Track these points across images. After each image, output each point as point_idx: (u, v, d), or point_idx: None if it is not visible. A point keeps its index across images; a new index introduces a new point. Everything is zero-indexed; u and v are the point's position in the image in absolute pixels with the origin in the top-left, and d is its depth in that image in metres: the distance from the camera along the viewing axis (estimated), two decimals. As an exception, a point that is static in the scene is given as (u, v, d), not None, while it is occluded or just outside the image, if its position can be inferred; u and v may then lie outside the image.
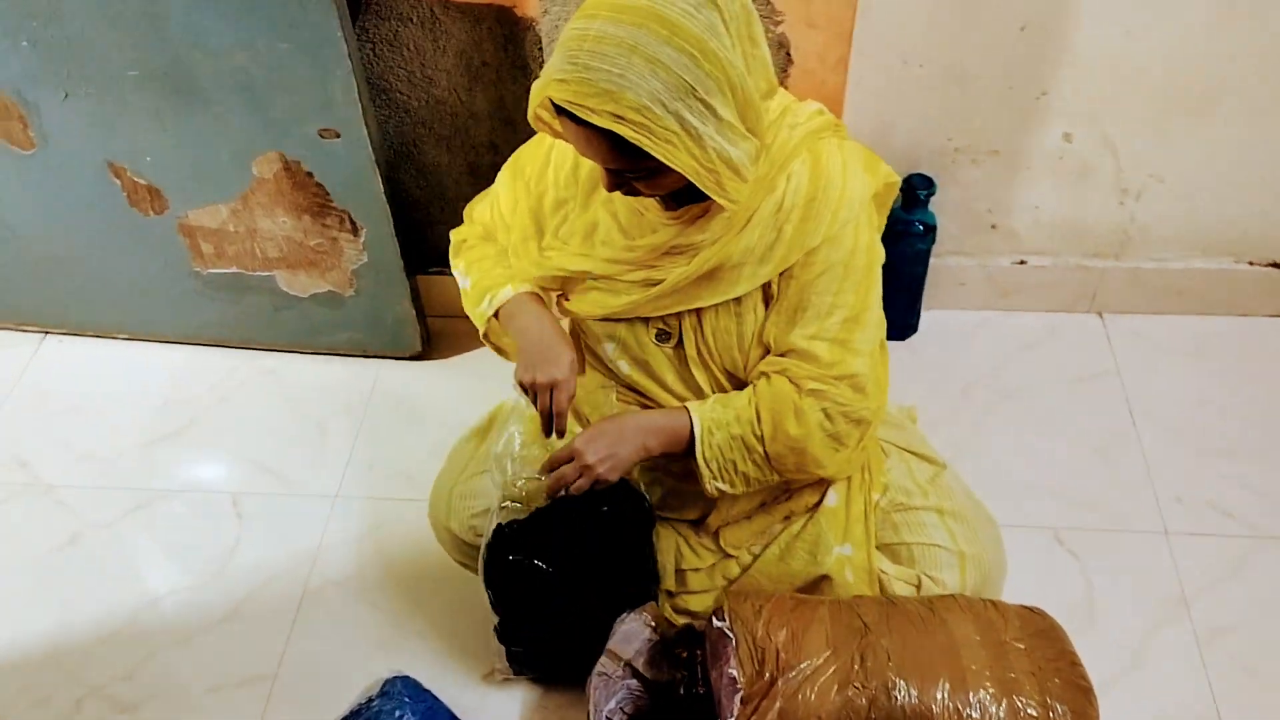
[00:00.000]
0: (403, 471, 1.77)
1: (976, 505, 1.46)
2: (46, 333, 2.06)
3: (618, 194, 1.20)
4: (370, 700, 1.45)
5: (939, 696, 1.12)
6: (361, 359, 1.97)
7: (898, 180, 1.32)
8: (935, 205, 1.80)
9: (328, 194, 1.69)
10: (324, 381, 1.94)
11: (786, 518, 1.43)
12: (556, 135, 1.17)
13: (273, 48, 1.51)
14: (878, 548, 1.40)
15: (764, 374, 1.28)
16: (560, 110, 1.08)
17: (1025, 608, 1.26)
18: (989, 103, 1.68)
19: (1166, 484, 1.68)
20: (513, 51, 1.62)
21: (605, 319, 1.33)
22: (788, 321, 1.26)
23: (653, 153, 1.06)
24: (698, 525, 1.45)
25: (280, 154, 1.65)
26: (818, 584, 1.39)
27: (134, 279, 1.90)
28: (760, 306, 1.28)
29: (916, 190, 1.74)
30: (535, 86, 1.09)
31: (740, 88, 1.08)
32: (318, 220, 1.73)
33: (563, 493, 1.28)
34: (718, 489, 1.30)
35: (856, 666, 1.15)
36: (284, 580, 1.64)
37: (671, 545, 1.45)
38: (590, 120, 1.04)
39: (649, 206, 1.24)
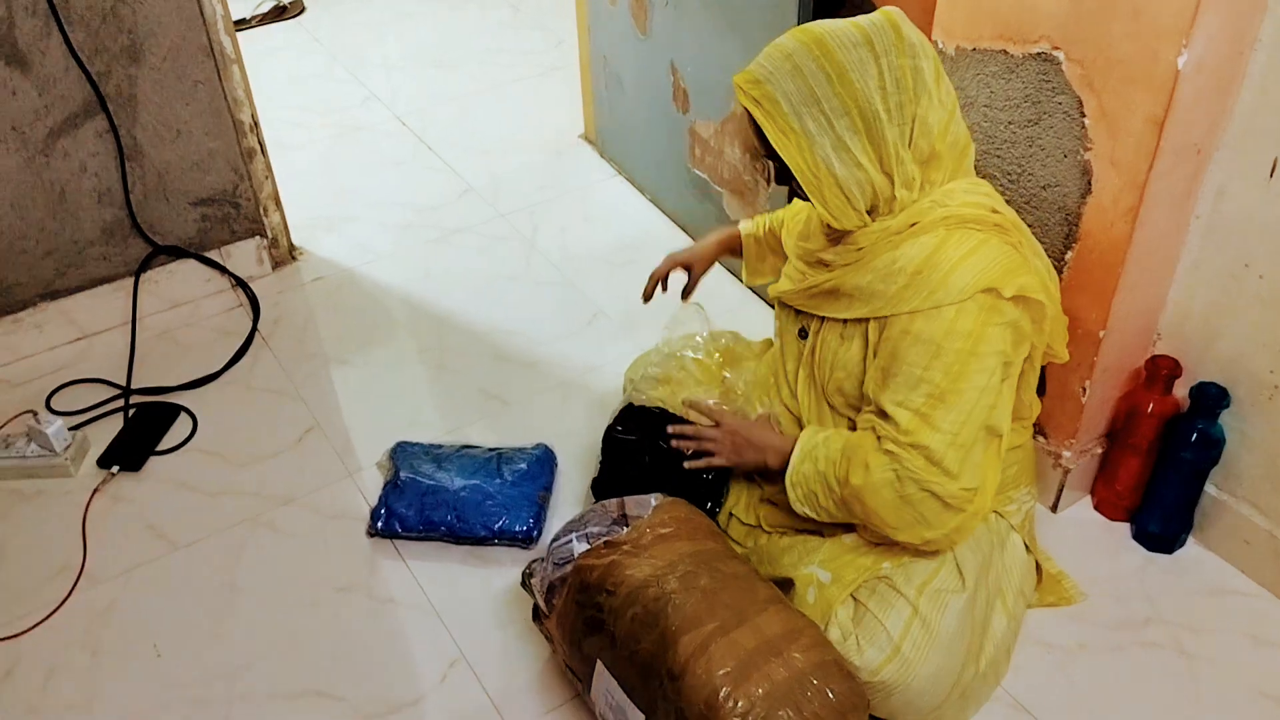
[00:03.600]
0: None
1: (957, 637, 1.45)
2: (620, 175, 2.85)
3: None
4: (523, 448, 1.98)
5: (691, 632, 1.28)
6: (755, 297, 2.39)
7: (1037, 298, 1.36)
8: (1240, 437, 1.65)
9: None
10: (718, 298, 2.33)
11: (817, 532, 1.58)
12: None
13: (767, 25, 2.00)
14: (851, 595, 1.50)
15: (865, 414, 1.42)
16: None
17: (840, 665, 1.31)
18: (1321, 352, 1.50)
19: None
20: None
21: (777, 297, 1.60)
22: (881, 379, 1.39)
23: (768, 135, 1.34)
24: (762, 490, 1.67)
25: (748, 99, 2.14)
26: (784, 583, 1.54)
27: (661, 158, 2.57)
28: (859, 341, 1.44)
29: (1199, 397, 1.62)
30: None
31: (871, 123, 1.30)
32: (754, 161, 2.20)
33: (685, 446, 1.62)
34: (804, 512, 1.47)
35: (674, 574, 1.36)
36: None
37: (739, 494, 1.69)
38: (740, 97, 1.36)
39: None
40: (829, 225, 1.42)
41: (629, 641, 1.35)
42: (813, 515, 1.47)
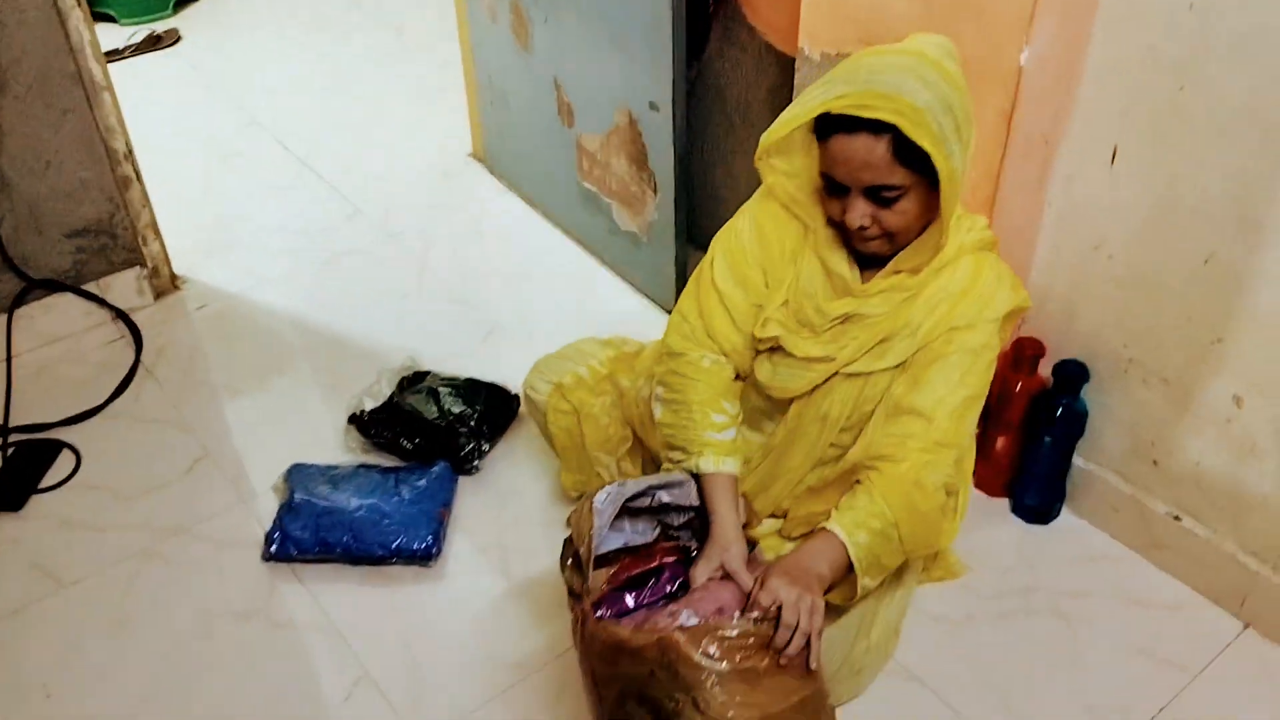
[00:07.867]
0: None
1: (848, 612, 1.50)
2: (511, 191, 2.87)
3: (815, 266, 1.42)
4: (421, 465, 1.97)
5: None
6: (650, 302, 2.44)
7: (1029, 305, 1.45)
8: (1102, 410, 1.75)
9: (646, 153, 2.20)
10: (613, 307, 2.43)
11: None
12: (780, 178, 1.39)
13: (645, 39, 2.05)
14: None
15: (866, 469, 1.38)
16: (824, 135, 1.28)
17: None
18: (1167, 326, 1.61)
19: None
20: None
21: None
22: (912, 384, 1.39)
23: (925, 145, 1.21)
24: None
25: (629, 110, 2.19)
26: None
27: (551, 172, 2.60)
28: (887, 373, 1.41)
29: (1061, 375, 1.72)
30: (792, 113, 1.28)
31: (970, 132, 1.28)
32: (639, 171, 2.25)
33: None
34: (864, 585, 1.37)
35: None
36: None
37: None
38: (875, 116, 1.20)
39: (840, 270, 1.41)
40: (911, 249, 1.36)
41: None
42: (871, 583, 1.38)
